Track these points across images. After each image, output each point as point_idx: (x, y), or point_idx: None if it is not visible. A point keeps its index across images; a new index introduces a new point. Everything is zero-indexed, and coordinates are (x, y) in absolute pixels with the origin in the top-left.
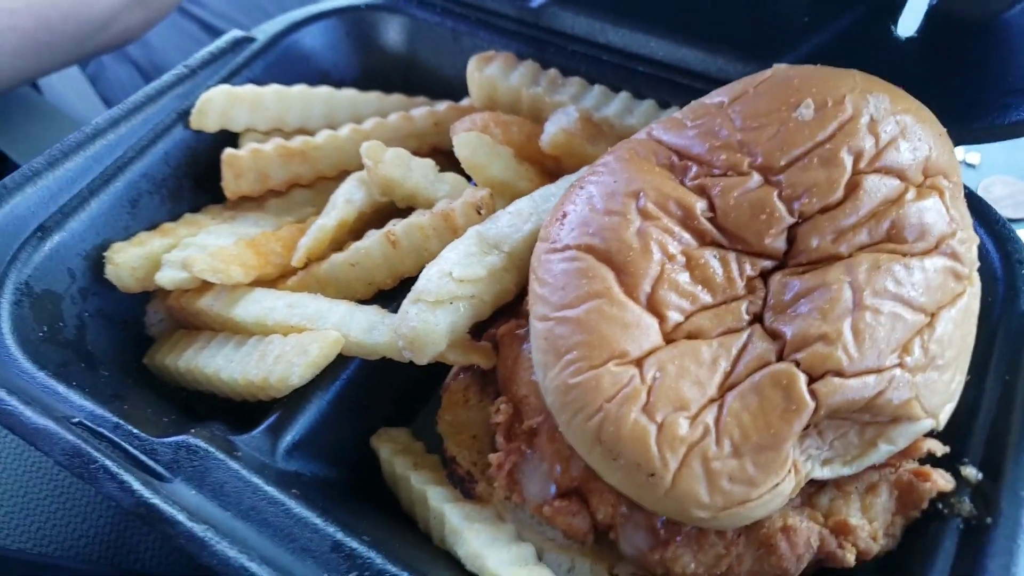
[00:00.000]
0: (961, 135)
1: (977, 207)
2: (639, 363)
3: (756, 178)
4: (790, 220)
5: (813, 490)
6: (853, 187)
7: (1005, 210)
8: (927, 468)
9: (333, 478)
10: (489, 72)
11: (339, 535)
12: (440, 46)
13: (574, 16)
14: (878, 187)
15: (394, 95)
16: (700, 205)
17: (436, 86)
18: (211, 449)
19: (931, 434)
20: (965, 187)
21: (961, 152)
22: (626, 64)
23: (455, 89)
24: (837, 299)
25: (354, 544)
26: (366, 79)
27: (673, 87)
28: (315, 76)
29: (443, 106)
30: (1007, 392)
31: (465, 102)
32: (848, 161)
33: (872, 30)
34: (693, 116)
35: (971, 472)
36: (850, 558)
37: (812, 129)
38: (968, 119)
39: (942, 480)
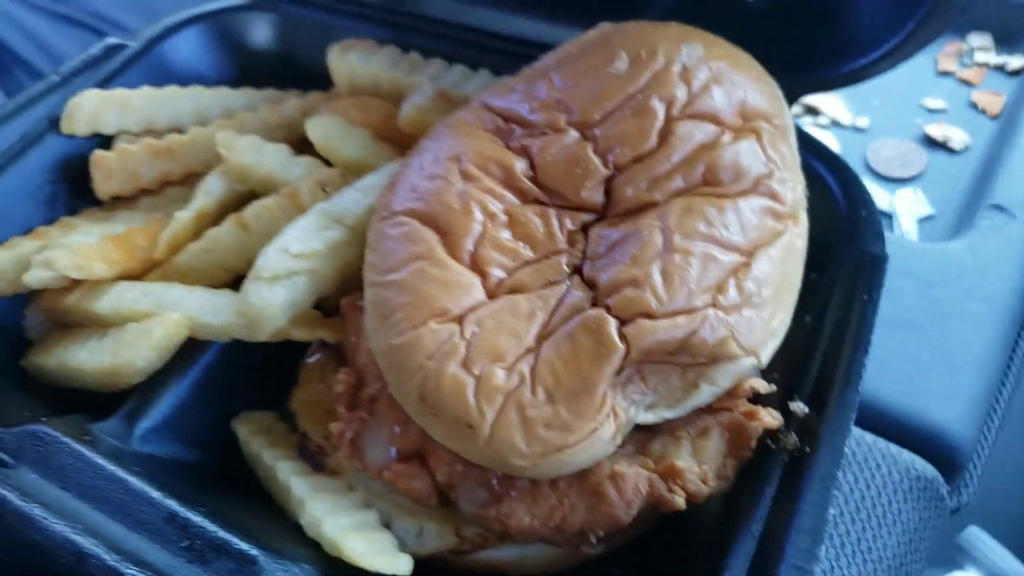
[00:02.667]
0: (807, 85)
1: (822, 152)
2: (460, 320)
3: (572, 134)
4: (605, 172)
5: (646, 438)
6: (666, 134)
7: (894, 170)
8: (756, 408)
9: (197, 461)
10: (350, 58)
11: (174, 507)
12: (312, 40)
13: (438, 0)
14: (692, 133)
15: (265, 90)
16: (520, 165)
17: (313, 80)
18: (56, 435)
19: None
20: (810, 136)
21: (850, 117)
22: (487, 43)
23: (331, 82)
24: (648, 244)
25: (189, 515)
26: (244, 80)
27: (532, 61)
28: (191, 80)
29: (310, 97)
30: (839, 329)
31: (334, 91)
32: (660, 110)
33: None
34: (520, 80)
35: (799, 407)
36: (679, 501)
37: (625, 82)
38: (812, 69)
39: (768, 417)
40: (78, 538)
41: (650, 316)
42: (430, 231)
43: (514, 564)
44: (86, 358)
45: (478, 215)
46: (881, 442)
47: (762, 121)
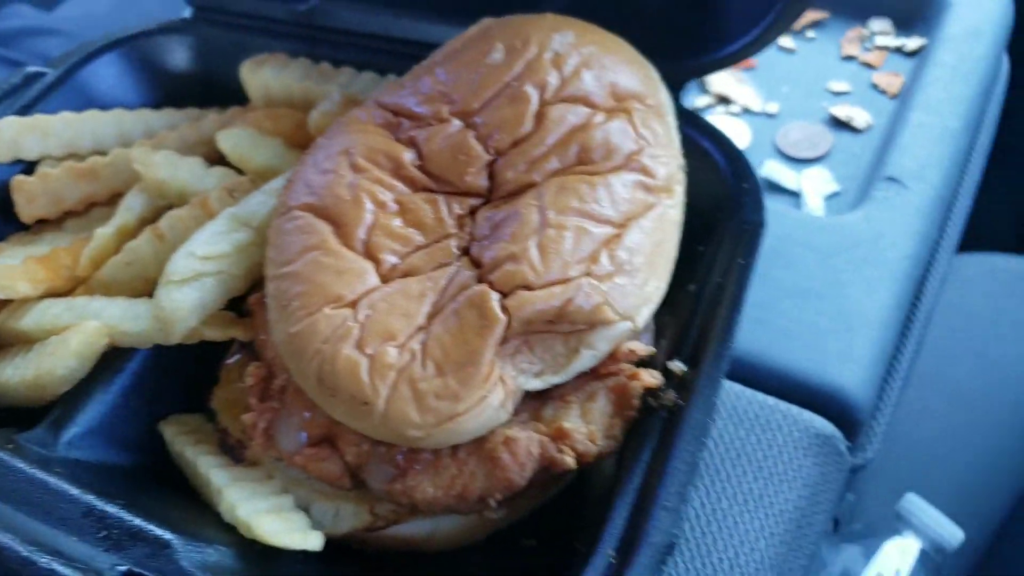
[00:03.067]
0: (692, 69)
1: (709, 130)
2: (354, 304)
3: (456, 123)
4: (487, 157)
5: (539, 405)
6: (541, 118)
7: (802, 151)
8: (638, 370)
9: (128, 465)
10: (263, 73)
11: (92, 501)
12: (229, 59)
13: (346, 11)
14: (565, 115)
15: (187, 109)
16: (408, 155)
17: (233, 98)
18: None
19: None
20: (698, 116)
21: (761, 103)
22: (395, 49)
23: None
24: (526, 222)
25: (106, 507)
26: (167, 102)
27: None
28: (113, 105)
29: (229, 112)
30: (717, 292)
31: (250, 106)
32: (534, 95)
33: None
34: (409, 77)
35: (677, 366)
36: (569, 461)
37: (502, 71)
38: (695, 54)
39: (648, 377)
40: None
41: (528, 288)
42: (323, 223)
43: (427, 538)
44: (11, 373)
45: (368, 205)
46: (783, 404)
47: (634, 101)
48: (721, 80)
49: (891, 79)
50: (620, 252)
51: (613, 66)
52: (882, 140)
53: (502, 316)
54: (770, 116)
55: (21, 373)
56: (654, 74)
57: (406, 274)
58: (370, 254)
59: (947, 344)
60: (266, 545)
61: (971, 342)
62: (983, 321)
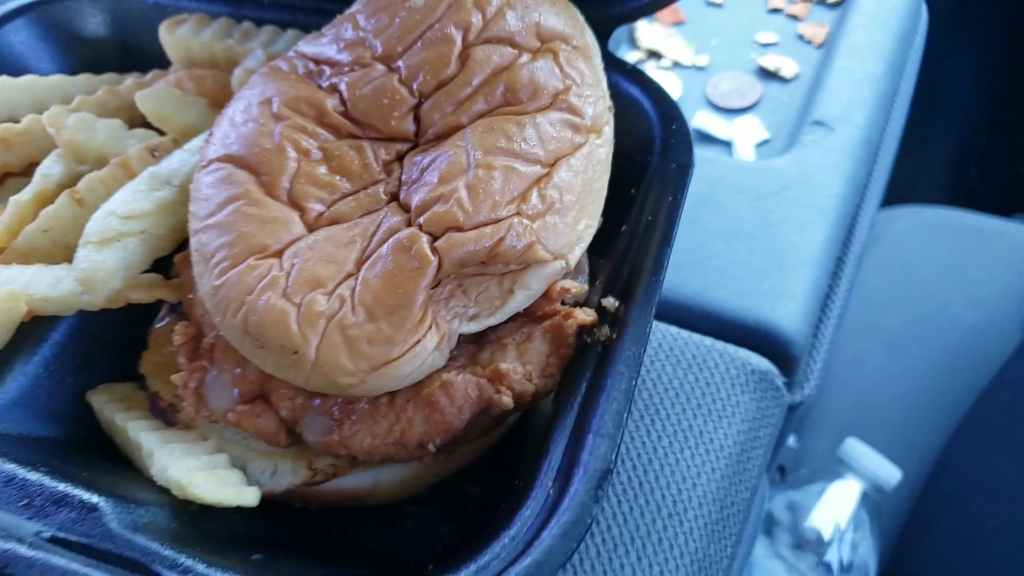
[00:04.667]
0: (620, 16)
1: (637, 76)
2: (279, 254)
3: (379, 68)
4: (412, 100)
5: (476, 350)
6: (465, 59)
7: (732, 101)
8: (572, 308)
9: (56, 437)
10: (181, 32)
11: (12, 470)
12: (147, 23)
13: None
14: (489, 56)
15: (105, 75)
16: (331, 102)
17: (153, 63)
18: None
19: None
20: (626, 62)
21: (691, 57)
22: (317, 6)
23: (170, 63)
24: (454, 163)
25: (28, 476)
26: (83, 71)
27: None
28: (24, 74)
29: (150, 75)
30: (647, 229)
31: (172, 69)
32: (458, 36)
33: None
34: (330, 26)
35: (610, 302)
36: (507, 400)
37: (424, 14)
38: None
39: (582, 314)
40: None
41: (459, 229)
42: (245, 173)
43: (370, 491)
44: None
45: (291, 153)
46: (719, 344)
47: (559, 42)
48: (651, 34)
49: (816, 29)
50: (550, 191)
51: (537, 6)
52: (809, 87)
53: (432, 258)
54: (700, 69)
55: None
56: (579, 16)
57: (332, 222)
58: (295, 203)
59: (880, 294)
60: (200, 505)
61: (902, 290)
62: (913, 270)
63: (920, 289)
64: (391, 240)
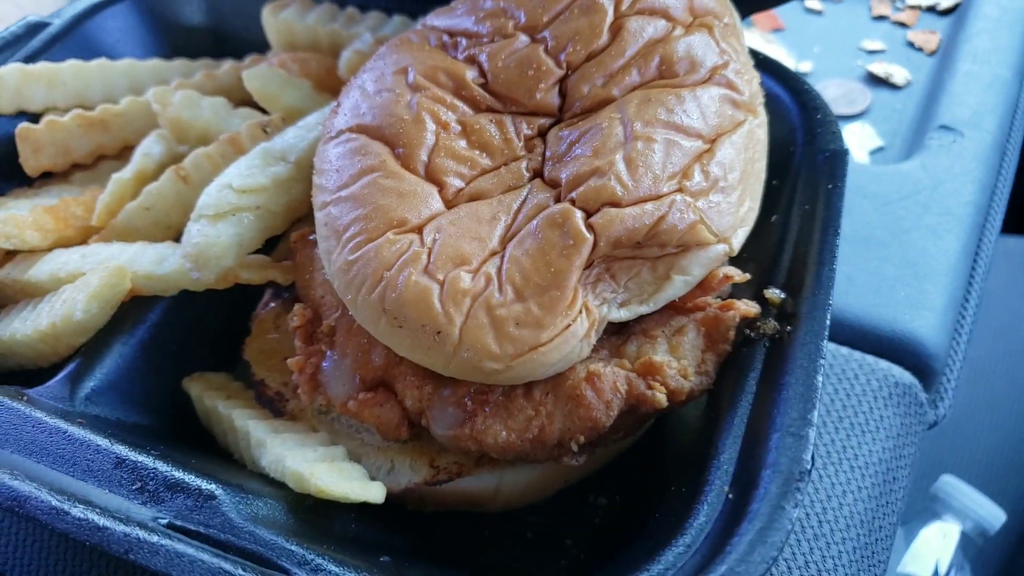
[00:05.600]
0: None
1: (771, 66)
2: (419, 230)
3: (522, 38)
4: (559, 72)
5: (620, 341)
6: (617, 30)
7: (840, 108)
8: (731, 300)
9: (148, 425)
10: (285, 16)
11: (123, 451)
12: (244, 8)
13: None
14: (643, 27)
15: (201, 60)
16: (471, 73)
17: (246, 49)
18: None
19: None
20: (758, 52)
21: (793, 63)
22: None
23: (265, 49)
24: (609, 135)
25: (140, 458)
26: (178, 56)
27: None
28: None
29: (248, 60)
30: (807, 218)
31: (271, 53)
32: (609, 6)
33: None
34: (460, 1)
35: (774, 293)
36: (660, 398)
37: None
38: None
39: (744, 306)
40: (16, 483)
41: (616, 204)
42: (380, 144)
43: (494, 493)
44: (19, 327)
45: (430, 125)
46: (856, 354)
47: (712, 18)
48: (749, 40)
49: (927, 37)
50: (713, 167)
51: None
52: (926, 93)
53: (588, 235)
54: (804, 75)
55: (33, 324)
56: None
57: (472, 198)
58: (433, 177)
59: None
60: (317, 500)
61: (989, 322)
62: (1000, 301)
63: (1006, 320)
64: (540, 216)
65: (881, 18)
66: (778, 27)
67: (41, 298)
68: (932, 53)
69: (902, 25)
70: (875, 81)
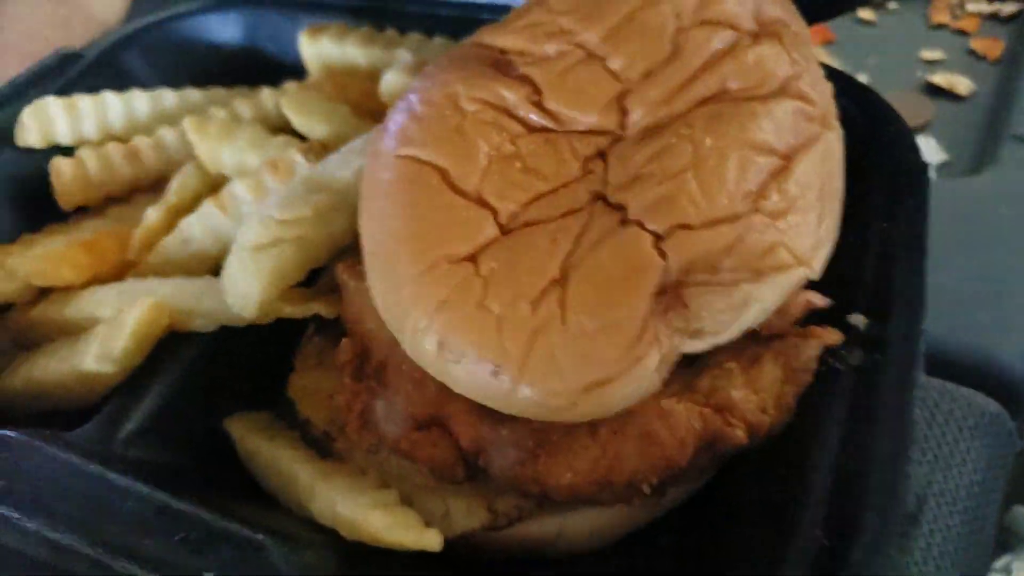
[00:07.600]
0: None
1: (835, 75)
2: (473, 258)
3: (577, 53)
4: (617, 88)
5: (692, 375)
6: (679, 43)
7: None
8: (811, 327)
9: (186, 466)
10: (323, 41)
11: (165, 499)
12: (279, 35)
13: None
14: (708, 38)
15: (236, 88)
16: (523, 92)
17: (283, 76)
18: (25, 438)
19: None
20: (827, 65)
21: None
22: (465, 14)
23: (303, 74)
24: (677, 153)
25: (182, 506)
26: (211, 84)
27: None
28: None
29: (285, 85)
30: (885, 239)
31: (308, 80)
32: (670, 17)
33: None
34: (513, 16)
35: (859, 319)
36: (740, 434)
37: None
38: None
39: (827, 334)
40: (55, 535)
41: (688, 227)
42: (430, 168)
43: (556, 538)
44: (55, 367)
45: (482, 147)
46: (935, 381)
47: (780, 26)
48: None
49: (990, 44)
50: (790, 186)
51: None
52: (993, 103)
53: (659, 260)
54: None
55: (68, 365)
56: (791, 3)
57: (529, 223)
58: (486, 201)
59: None
60: (370, 547)
61: None
62: None
63: None
64: (605, 241)
65: (940, 27)
66: (829, 39)
67: (76, 336)
68: (996, 61)
69: (962, 33)
70: (936, 92)
